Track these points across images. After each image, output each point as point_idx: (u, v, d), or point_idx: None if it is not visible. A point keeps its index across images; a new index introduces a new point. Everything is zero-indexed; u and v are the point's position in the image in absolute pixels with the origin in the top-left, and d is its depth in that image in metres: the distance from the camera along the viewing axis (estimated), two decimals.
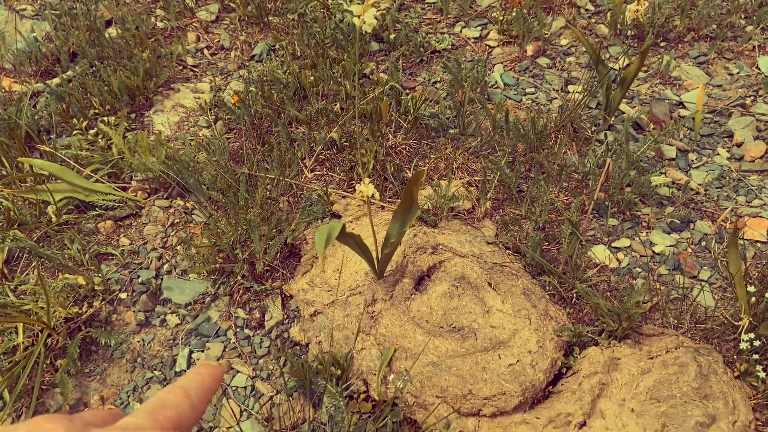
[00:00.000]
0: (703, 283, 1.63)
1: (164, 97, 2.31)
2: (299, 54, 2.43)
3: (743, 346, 1.33)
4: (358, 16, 1.22)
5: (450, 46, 2.50)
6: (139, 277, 1.76)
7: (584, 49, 2.20)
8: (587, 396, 1.39)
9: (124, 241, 1.84)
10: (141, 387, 1.55)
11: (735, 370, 1.42)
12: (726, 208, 1.80)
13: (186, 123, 2.22)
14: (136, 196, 1.93)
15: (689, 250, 1.72)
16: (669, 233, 1.77)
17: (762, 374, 1.33)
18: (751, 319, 1.37)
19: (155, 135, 1.95)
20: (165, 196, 1.94)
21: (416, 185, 1.35)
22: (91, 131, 2.06)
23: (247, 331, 1.66)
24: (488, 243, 1.77)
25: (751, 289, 1.33)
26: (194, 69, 2.47)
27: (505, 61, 2.44)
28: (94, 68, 2.39)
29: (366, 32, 1.26)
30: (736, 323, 1.40)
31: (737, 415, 1.34)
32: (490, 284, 1.64)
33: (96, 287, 1.68)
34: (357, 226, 1.84)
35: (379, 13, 1.23)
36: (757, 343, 1.33)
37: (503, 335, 1.52)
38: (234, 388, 1.55)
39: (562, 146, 1.94)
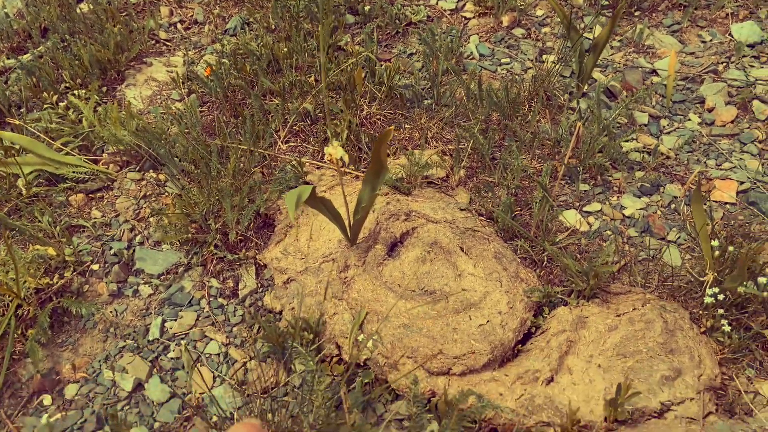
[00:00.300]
0: (671, 243, 1.65)
1: (137, 71, 2.29)
2: (273, 27, 2.41)
3: (708, 300, 1.35)
4: None
5: (426, 18, 2.49)
6: (111, 248, 1.75)
7: (559, 19, 2.20)
8: (555, 353, 1.40)
9: (95, 213, 1.83)
10: (114, 356, 1.55)
11: (701, 326, 1.44)
12: (695, 171, 1.82)
13: (159, 96, 2.21)
14: (107, 168, 1.91)
15: (659, 212, 1.74)
16: (639, 197, 1.78)
17: (727, 328, 1.35)
18: (716, 274, 1.38)
19: (126, 107, 1.94)
20: (137, 168, 1.93)
21: (383, 146, 1.35)
22: (62, 104, 2.04)
23: (220, 300, 1.66)
24: (461, 209, 1.78)
25: (715, 243, 1.35)
26: (167, 43, 2.45)
27: (481, 32, 2.44)
28: (65, 43, 2.36)
29: (337, 3, 1.25)
30: (702, 279, 1.42)
31: (703, 369, 1.36)
32: (462, 249, 1.65)
33: (67, 258, 1.67)
34: (331, 195, 1.83)
35: None
36: (721, 297, 1.34)
37: (474, 297, 1.53)
38: (207, 356, 1.55)
39: (535, 114, 1.94)
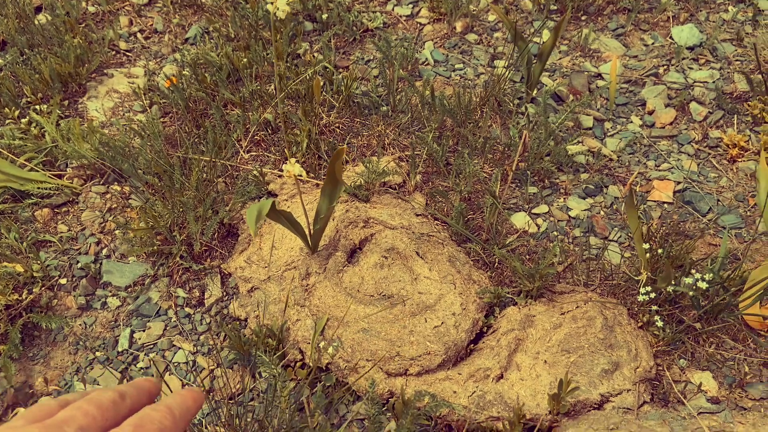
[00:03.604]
0: (611, 243, 1.76)
1: (98, 83, 2.32)
2: (233, 36, 2.46)
3: (641, 298, 1.46)
4: (272, 3, 1.28)
5: (382, 25, 2.56)
6: (78, 262, 1.80)
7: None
8: (504, 351, 1.50)
9: (62, 227, 1.88)
10: (84, 368, 1.61)
11: (639, 321, 1.55)
12: (634, 174, 1.94)
13: (121, 108, 2.24)
14: (72, 183, 1.95)
15: (602, 213, 1.85)
16: (584, 198, 1.89)
17: (660, 323, 1.47)
18: (649, 273, 1.50)
19: (88, 122, 1.97)
20: (101, 182, 1.97)
21: (337, 164, 1.43)
22: (24, 120, 2.06)
23: (187, 309, 1.73)
24: (417, 215, 1.86)
25: (646, 246, 1.46)
26: (128, 54, 2.48)
27: (435, 38, 2.52)
28: (24, 56, 2.38)
29: (280, 18, 1.31)
30: (637, 278, 1.53)
31: (639, 362, 1.48)
32: (418, 253, 1.74)
33: (35, 274, 1.71)
34: (293, 204, 1.91)
35: None
36: (653, 295, 1.46)
37: (430, 300, 1.63)
38: (176, 364, 1.61)
39: (486, 120, 2.03)
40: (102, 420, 0.48)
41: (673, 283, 1.42)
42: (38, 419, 0.46)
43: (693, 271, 1.42)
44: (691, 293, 1.38)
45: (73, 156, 1.90)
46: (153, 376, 1.59)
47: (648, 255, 1.47)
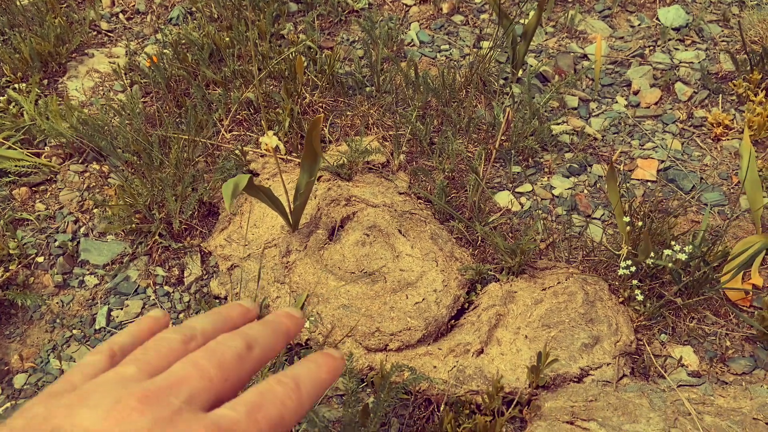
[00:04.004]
0: (594, 220, 1.75)
1: (78, 63, 2.29)
2: (216, 16, 2.43)
3: (621, 272, 1.45)
4: None
5: (367, 5, 2.54)
6: (55, 240, 1.77)
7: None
8: (485, 326, 1.49)
9: (39, 206, 1.85)
10: (61, 345, 1.59)
11: (620, 296, 1.55)
12: (617, 151, 1.93)
13: (101, 88, 2.21)
14: (50, 161, 1.93)
15: (585, 191, 1.84)
16: (568, 177, 1.88)
17: (640, 297, 1.46)
18: (630, 247, 1.49)
19: (67, 100, 1.95)
20: (80, 160, 1.95)
21: (314, 133, 1.41)
22: (2, 98, 2.03)
23: (166, 287, 1.70)
24: (400, 193, 1.85)
25: (626, 219, 1.45)
26: (109, 34, 2.45)
27: (421, 19, 2.50)
28: (5, 36, 2.34)
29: None
30: (617, 253, 1.52)
31: (619, 336, 1.47)
32: (400, 231, 1.72)
33: (12, 252, 1.69)
34: (274, 182, 1.88)
35: None
36: (633, 269, 1.45)
37: (411, 277, 1.61)
38: None
39: (471, 100, 2.02)
40: (220, 383, 0.37)
41: (652, 256, 1.41)
42: (145, 370, 0.37)
43: (673, 242, 1.41)
44: (670, 265, 1.37)
45: (51, 134, 1.87)
46: None
47: (629, 229, 1.46)
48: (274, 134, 1.39)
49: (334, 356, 0.42)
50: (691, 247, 1.38)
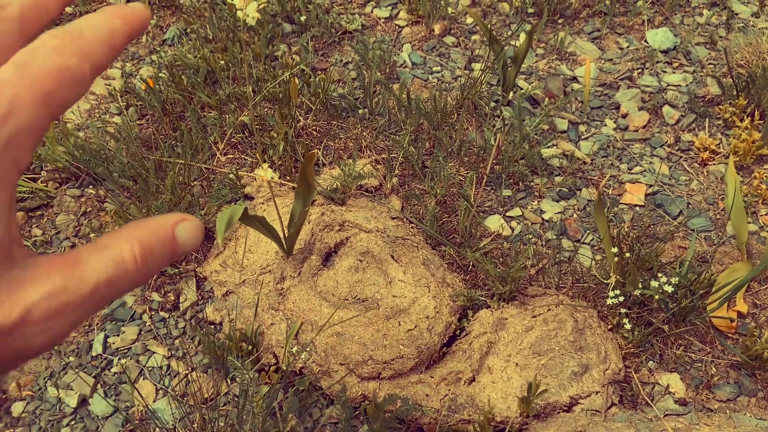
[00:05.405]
0: (583, 246, 1.79)
1: None
2: (211, 38, 2.45)
3: (610, 301, 1.48)
4: (242, 10, 1.28)
5: (360, 27, 2.57)
6: None
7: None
8: (476, 354, 1.52)
9: (36, 231, 1.87)
10: (58, 373, 1.60)
11: (609, 323, 1.58)
12: (606, 177, 1.96)
13: (97, 111, 2.23)
14: (46, 186, 1.94)
15: (575, 215, 1.87)
16: (558, 201, 1.91)
17: (628, 326, 1.49)
18: (618, 276, 1.52)
19: (63, 124, 1.96)
20: (76, 185, 1.96)
21: (309, 168, 1.44)
22: None
23: (162, 313, 1.72)
24: (392, 218, 1.87)
25: (614, 250, 1.48)
26: None
27: (414, 40, 2.53)
28: None
29: (250, 24, 1.32)
30: (606, 281, 1.55)
31: (608, 364, 1.50)
32: (392, 257, 1.75)
33: None
34: (269, 207, 1.91)
35: (262, 6, 1.27)
36: (621, 299, 1.48)
37: (404, 303, 1.64)
38: (150, 369, 1.61)
39: (462, 123, 2.05)
40: None
41: (640, 286, 1.44)
42: None
43: (660, 274, 1.45)
44: (657, 296, 1.40)
45: (48, 159, 1.89)
46: (126, 383, 1.59)
47: (617, 258, 1.49)
48: (269, 166, 1.42)
49: (131, 6, 0.33)
50: (677, 278, 1.41)
